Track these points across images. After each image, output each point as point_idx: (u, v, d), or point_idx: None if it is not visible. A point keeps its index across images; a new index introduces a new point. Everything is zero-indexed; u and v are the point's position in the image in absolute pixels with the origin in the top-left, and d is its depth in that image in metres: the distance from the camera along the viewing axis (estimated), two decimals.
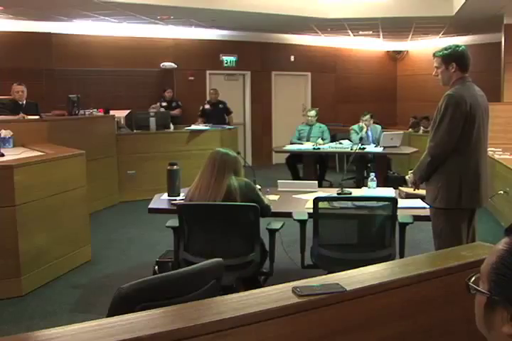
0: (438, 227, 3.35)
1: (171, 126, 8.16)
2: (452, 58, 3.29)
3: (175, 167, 4.33)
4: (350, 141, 7.95)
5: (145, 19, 9.02)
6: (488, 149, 3.50)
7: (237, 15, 8.55)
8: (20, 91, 6.59)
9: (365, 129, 8.08)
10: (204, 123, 9.03)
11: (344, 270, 1.74)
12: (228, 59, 11.03)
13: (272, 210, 3.74)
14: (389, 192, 4.43)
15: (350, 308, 1.58)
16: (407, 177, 3.65)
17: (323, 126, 8.42)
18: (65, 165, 4.77)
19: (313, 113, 8.37)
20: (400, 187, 4.44)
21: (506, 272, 0.91)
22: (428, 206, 3.48)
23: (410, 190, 4.24)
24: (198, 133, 8.10)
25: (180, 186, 4.30)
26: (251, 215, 3.45)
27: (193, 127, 8.37)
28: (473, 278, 0.99)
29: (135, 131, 7.83)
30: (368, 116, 8.13)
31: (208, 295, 1.70)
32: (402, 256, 3.55)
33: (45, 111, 6.85)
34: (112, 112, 7.51)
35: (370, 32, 10.95)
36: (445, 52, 3.32)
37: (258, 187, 3.93)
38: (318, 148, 7.77)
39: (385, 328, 1.66)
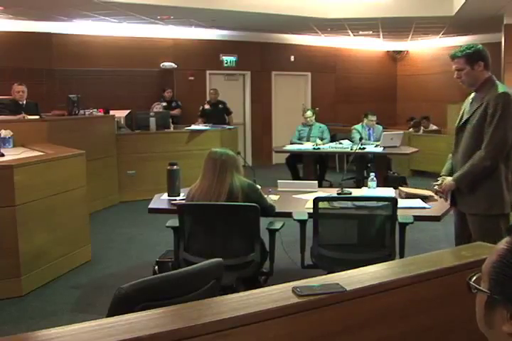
0: (491, 234, 2.93)
1: (171, 126, 8.18)
2: (478, 57, 3.08)
3: (175, 167, 4.32)
4: (352, 140, 7.94)
5: (145, 19, 9.02)
6: None
7: (237, 15, 8.55)
8: (21, 92, 6.58)
9: (371, 129, 8.19)
10: (204, 123, 9.03)
11: (344, 270, 1.74)
12: (228, 59, 11.02)
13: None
14: (389, 192, 4.42)
15: (350, 308, 1.58)
16: (436, 186, 3.30)
17: (323, 126, 8.42)
18: (65, 165, 4.77)
19: (309, 113, 8.36)
20: (400, 187, 4.43)
21: (507, 271, 0.91)
22: (433, 208, 3.42)
23: (410, 190, 4.24)
24: (198, 133, 8.10)
25: (180, 186, 4.30)
26: (251, 215, 3.45)
27: (193, 127, 8.36)
28: (474, 278, 0.99)
29: (135, 131, 7.84)
30: (375, 117, 8.19)
31: (207, 295, 1.70)
32: (402, 256, 3.55)
33: (45, 111, 6.85)
34: (111, 112, 7.51)
35: (370, 32, 10.95)
36: (468, 51, 3.08)
37: (258, 187, 3.93)
38: (318, 148, 7.76)
39: (385, 328, 1.65)
